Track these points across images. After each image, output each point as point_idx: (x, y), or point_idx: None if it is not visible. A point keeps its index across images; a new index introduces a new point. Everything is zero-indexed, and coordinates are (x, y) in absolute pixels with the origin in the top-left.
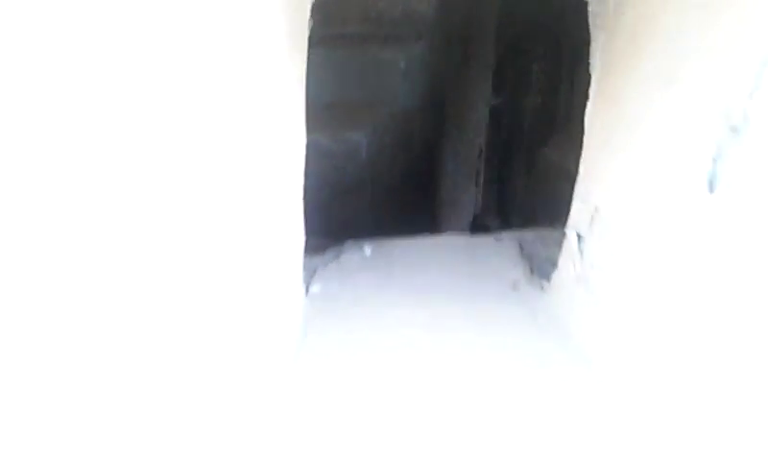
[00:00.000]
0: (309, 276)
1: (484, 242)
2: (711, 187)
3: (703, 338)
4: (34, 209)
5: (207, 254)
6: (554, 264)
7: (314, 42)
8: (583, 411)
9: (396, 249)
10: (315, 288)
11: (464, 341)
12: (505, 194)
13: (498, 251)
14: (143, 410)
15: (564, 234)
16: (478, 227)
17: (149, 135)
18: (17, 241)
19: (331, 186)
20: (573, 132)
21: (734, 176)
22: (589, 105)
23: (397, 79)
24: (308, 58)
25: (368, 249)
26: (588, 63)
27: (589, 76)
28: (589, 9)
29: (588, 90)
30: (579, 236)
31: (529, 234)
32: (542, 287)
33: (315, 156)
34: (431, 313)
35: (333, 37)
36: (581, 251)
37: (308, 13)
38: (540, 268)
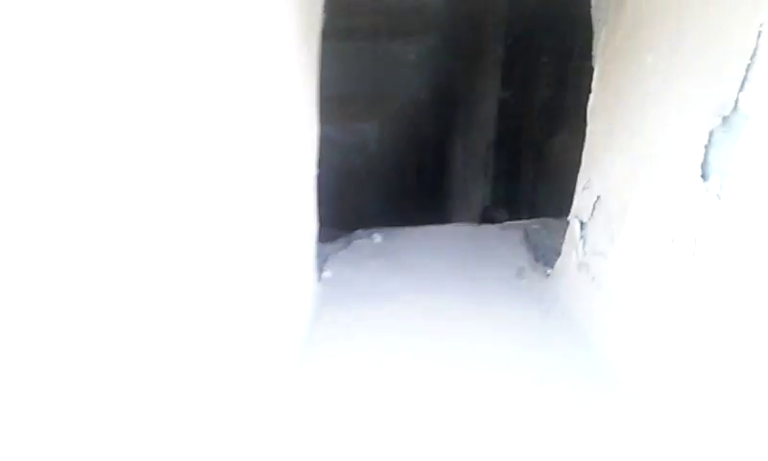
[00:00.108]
0: (321, 262)
1: (490, 231)
2: (705, 175)
3: (698, 322)
4: (42, 209)
5: (226, 242)
6: (558, 252)
7: (324, 35)
8: (585, 393)
9: (405, 237)
10: (327, 274)
11: (470, 326)
12: (514, 186)
13: (504, 239)
14: (155, 399)
15: (567, 223)
16: (487, 219)
17: (169, 125)
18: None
19: (341, 178)
20: (581, 124)
21: (726, 164)
22: (591, 97)
23: (407, 71)
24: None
25: (378, 237)
26: (593, 55)
27: (593, 68)
28: (592, 3)
29: (591, 84)
30: (581, 224)
31: (534, 224)
32: (547, 274)
33: (325, 147)
34: (438, 299)
35: (344, 30)
36: (583, 238)
37: (321, 8)
38: (545, 256)
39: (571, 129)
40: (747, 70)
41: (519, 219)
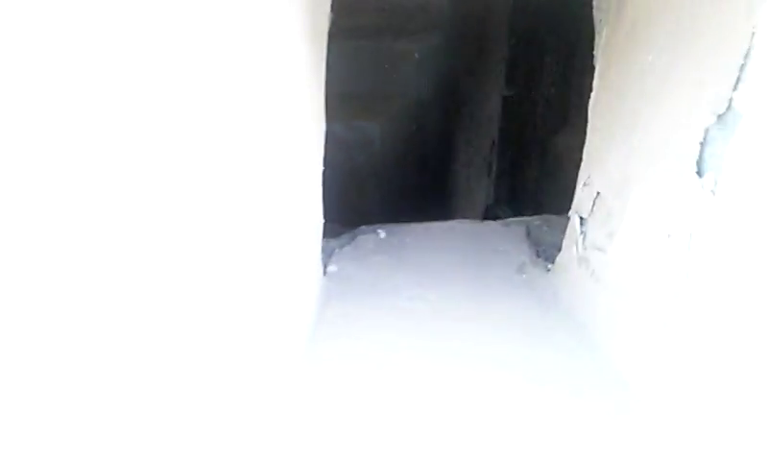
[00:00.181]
0: (326, 257)
1: (492, 227)
2: (701, 172)
3: (695, 316)
4: (55, 207)
5: (237, 237)
6: (559, 248)
7: (329, 34)
8: (585, 386)
9: (409, 233)
10: (332, 268)
11: (472, 320)
12: (517, 185)
13: (506, 236)
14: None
15: (568, 219)
16: (490, 216)
17: (183, 122)
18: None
19: (344, 175)
20: (584, 123)
21: (720, 161)
22: (592, 95)
23: (411, 70)
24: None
25: (382, 232)
26: (594, 54)
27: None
28: (594, 3)
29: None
30: (581, 220)
31: (536, 220)
32: (548, 269)
33: (329, 145)
34: (441, 293)
35: (348, 29)
36: (583, 233)
37: (329, 8)
38: (546, 251)
39: (575, 127)
40: (741, 70)
41: (523, 217)
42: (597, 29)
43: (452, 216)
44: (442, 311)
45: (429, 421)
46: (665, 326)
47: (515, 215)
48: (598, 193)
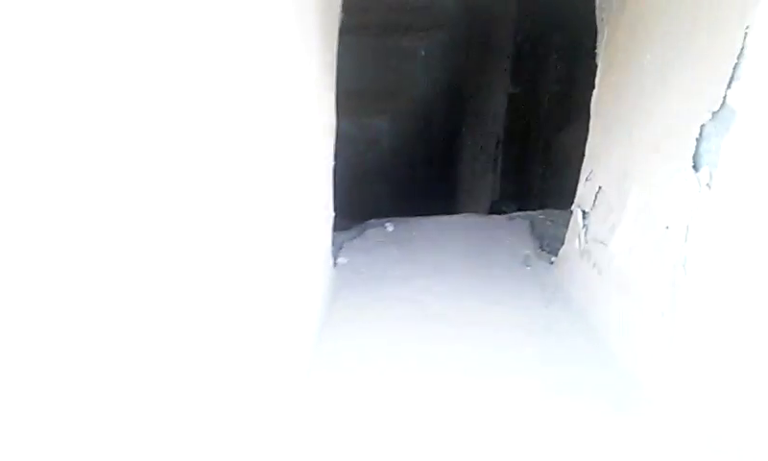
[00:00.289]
0: (336, 249)
1: (498, 221)
2: (697, 166)
3: (691, 305)
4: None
5: (249, 231)
6: (562, 241)
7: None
8: (585, 373)
9: (416, 226)
10: (342, 260)
11: (477, 310)
12: (522, 181)
13: (511, 229)
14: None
15: (571, 213)
16: (495, 212)
17: (204, 119)
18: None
19: (352, 171)
20: (588, 120)
21: (715, 156)
22: (594, 93)
23: (418, 67)
24: None
25: (390, 226)
26: (596, 53)
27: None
28: (596, 4)
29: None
30: (584, 214)
31: (540, 214)
32: (551, 262)
33: (337, 141)
34: (447, 284)
35: (356, 27)
36: (585, 227)
37: (340, 8)
38: (550, 245)
39: (579, 124)
40: (735, 69)
41: (527, 211)
42: (599, 28)
43: (458, 211)
44: (448, 301)
45: (436, 407)
46: (663, 315)
47: (519, 211)
48: (600, 188)
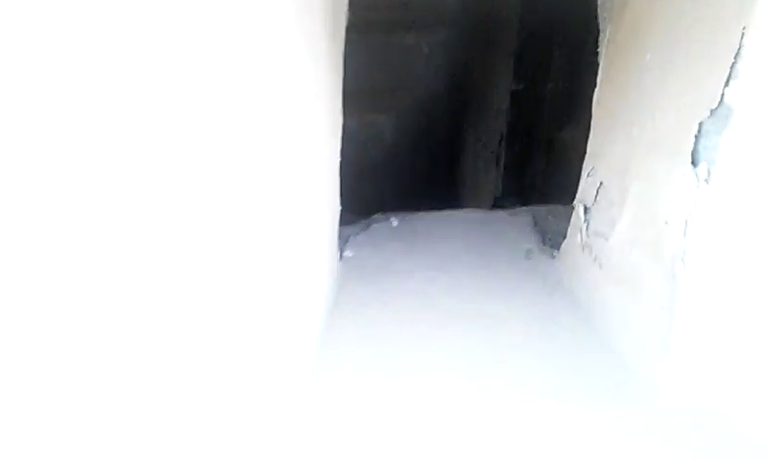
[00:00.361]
0: (343, 243)
1: (500, 216)
2: (695, 162)
3: (691, 295)
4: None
5: (260, 226)
6: (564, 236)
7: None
8: (585, 362)
9: (421, 221)
10: (348, 253)
11: (481, 302)
12: (525, 177)
13: (514, 224)
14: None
15: (573, 208)
16: (498, 209)
17: (222, 117)
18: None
19: (357, 167)
20: (590, 117)
21: (713, 152)
22: (596, 91)
23: (422, 64)
24: None
25: (395, 220)
26: (598, 51)
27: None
28: (598, 3)
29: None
30: (585, 209)
31: (542, 210)
32: (553, 256)
33: (342, 138)
34: (451, 277)
35: (360, 25)
36: (586, 222)
37: (347, 8)
38: (552, 239)
39: (582, 121)
40: (732, 68)
41: (530, 207)
42: (601, 27)
43: (461, 208)
44: (451, 294)
45: (440, 393)
46: (662, 307)
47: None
48: (601, 183)
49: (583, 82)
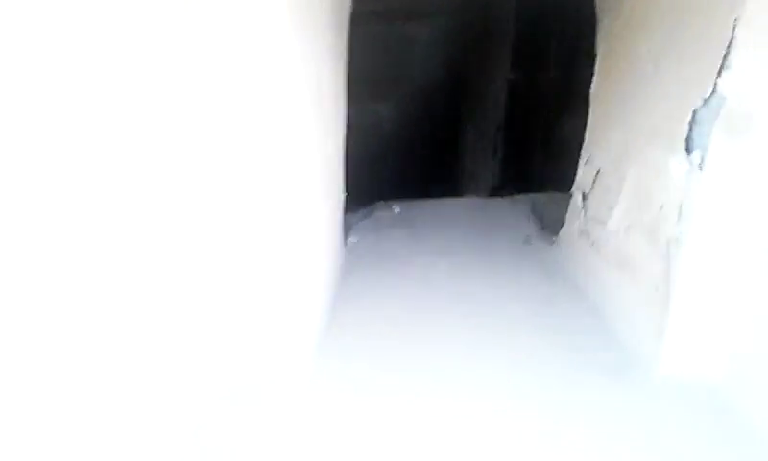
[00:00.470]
0: (347, 229)
1: (500, 203)
2: (689, 150)
3: (684, 277)
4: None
5: (274, 211)
6: (562, 222)
7: None
8: (583, 343)
9: (422, 208)
10: (352, 240)
11: (481, 286)
12: (522, 167)
13: (513, 211)
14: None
15: (571, 196)
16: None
17: (240, 112)
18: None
19: (355, 157)
20: (588, 107)
21: (706, 140)
22: (594, 80)
23: (421, 53)
24: None
25: (396, 208)
26: (595, 42)
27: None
28: None
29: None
30: (583, 195)
31: (540, 197)
32: (552, 242)
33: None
34: (452, 262)
35: (360, 14)
36: (584, 208)
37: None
38: (550, 226)
39: (579, 111)
40: (724, 58)
41: (528, 194)
42: (599, 17)
43: (459, 196)
44: (453, 278)
45: (440, 374)
46: (657, 289)
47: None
48: (598, 171)
49: (580, 71)
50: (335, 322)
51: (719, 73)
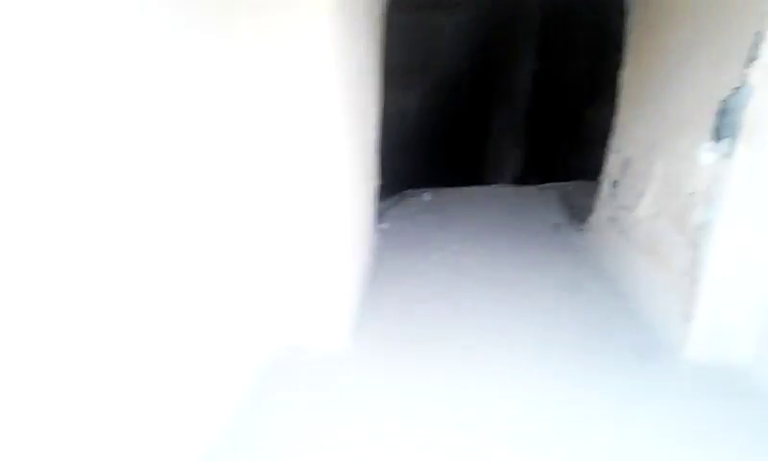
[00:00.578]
0: (378, 216)
1: (529, 192)
2: (718, 138)
3: (712, 268)
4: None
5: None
6: (590, 210)
7: None
8: (613, 327)
9: (452, 196)
10: (384, 226)
11: (512, 271)
12: (547, 156)
13: (542, 199)
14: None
15: (599, 184)
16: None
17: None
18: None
19: (382, 146)
20: (614, 96)
21: (735, 129)
22: (624, 70)
23: (447, 43)
24: None
25: (427, 195)
26: (625, 32)
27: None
28: None
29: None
30: (612, 183)
31: (568, 186)
32: (580, 229)
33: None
34: (482, 248)
35: (386, 3)
36: (613, 196)
37: None
38: (578, 214)
39: (605, 101)
40: (754, 49)
41: (556, 182)
42: (629, 9)
43: (483, 184)
44: (483, 263)
45: (474, 350)
46: (685, 273)
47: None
48: (628, 159)
49: (605, 62)
50: (369, 304)
51: (748, 64)
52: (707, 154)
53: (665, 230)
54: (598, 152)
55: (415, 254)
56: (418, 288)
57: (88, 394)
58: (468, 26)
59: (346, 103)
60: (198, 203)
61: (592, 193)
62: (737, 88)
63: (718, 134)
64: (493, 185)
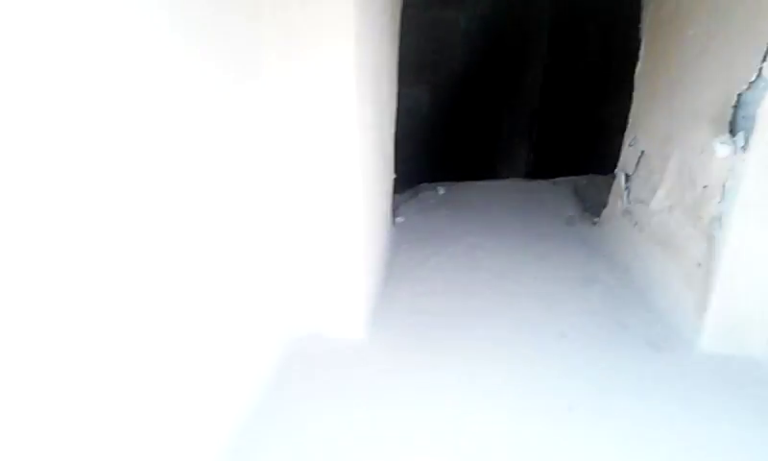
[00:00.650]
0: (394, 209)
1: (542, 186)
2: (733, 131)
3: (727, 260)
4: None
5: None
6: (604, 204)
7: None
8: (627, 318)
9: (466, 190)
10: (399, 219)
11: (526, 264)
12: (557, 152)
13: (555, 193)
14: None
15: (613, 178)
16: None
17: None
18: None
19: (396, 140)
20: (625, 92)
21: (750, 122)
22: (639, 65)
23: (458, 38)
24: None
25: (441, 189)
26: (640, 27)
27: (641, 38)
28: None
29: (638, 52)
30: (626, 177)
31: (582, 179)
32: (593, 222)
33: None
34: (496, 241)
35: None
36: (627, 189)
37: None
38: (592, 207)
39: (617, 96)
40: None
41: (569, 176)
42: (644, 3)
43: (497, 178)
44: (497, 256)
45: (491, 340)
46: (700, 265)
47: None
48: (642, 152)
49: (617, 57)
50: (385, 296)
51: (764, 58)
52: (722, 147)
53: (680, 223)
54: (610, 147)
55: (430, 247)
56: (433, 281)
57: (112, 385)
58: (479, 21)
59: (363, 104)
60: (223, 198)
61: (606, 186)
62: (753, 82)
63: (733, 128)
64: (507, 179)
